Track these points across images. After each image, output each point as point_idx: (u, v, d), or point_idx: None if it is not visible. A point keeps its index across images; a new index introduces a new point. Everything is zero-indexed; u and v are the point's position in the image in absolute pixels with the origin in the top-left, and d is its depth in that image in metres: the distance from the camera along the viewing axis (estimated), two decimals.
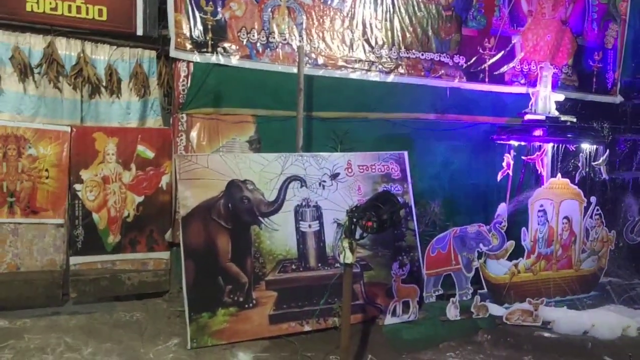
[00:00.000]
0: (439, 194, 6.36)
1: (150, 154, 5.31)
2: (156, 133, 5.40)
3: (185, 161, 4.67)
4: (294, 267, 4.79)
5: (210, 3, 5.41)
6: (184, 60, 5.39)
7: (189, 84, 5.40)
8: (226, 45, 5.50)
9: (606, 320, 4.94)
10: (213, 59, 5.45)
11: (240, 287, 4.53)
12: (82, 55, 5.15)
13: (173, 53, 5.34)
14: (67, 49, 5.14)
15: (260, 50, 5.65)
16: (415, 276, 5.12)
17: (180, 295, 4.73)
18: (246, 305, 4.51)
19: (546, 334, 4.85)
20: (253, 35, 5.59)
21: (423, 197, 6.10)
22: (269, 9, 5.67)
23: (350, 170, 5.16)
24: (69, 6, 5.00)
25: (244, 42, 5.56)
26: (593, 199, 5.59)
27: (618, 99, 7.42)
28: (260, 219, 4.76)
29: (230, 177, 4.69)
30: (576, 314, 5.08)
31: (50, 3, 4.94)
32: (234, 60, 5.53)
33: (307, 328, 4.64)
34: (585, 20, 7.17)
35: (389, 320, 4.86)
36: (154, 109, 5.54)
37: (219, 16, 5.46)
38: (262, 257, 4.69)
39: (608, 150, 6.29)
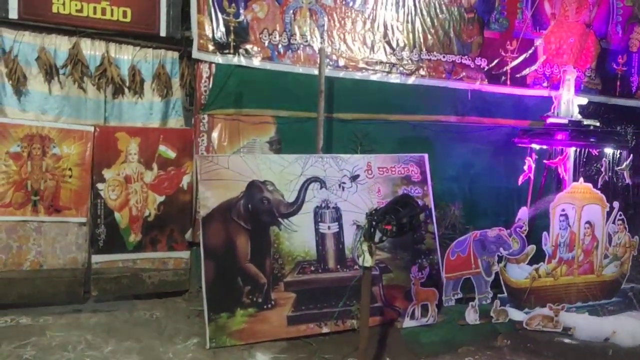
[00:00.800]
0: (459, 197, 6.32)
1: (171, 154, 5.36)
2: (178, 133, 5.44)
3: (206, 162, 4.70)
4: (312, 268, 4.79)
5: (233, 5, 5.45)
6: (206, 62, 5.43)
7: (210, 85, 5.45)
8: (248, 46, 5.53)
9: (628, 327, 4.86)
10: (235, 60, 5.49)
11: (259, 287, 4.55)
12: (106, 55, 5.21)
13: (195, 54, 5.39)
14: (92, 50, 5.20)
15: (282, 51, 5.67)
16: (434, 279, 5.09)
17: (200, 295, 4.76)
18: (265, 306, 4.53)
19: (566, 340, 4.79)
20: (275, 37, 5.62)
21: (443, 199, 6.06)
22: (291, 11, 5.69)
23: (370, 172, 5.15)
24: (94, 8, 5.07)
25: (266, 44, 5.59)
26: (616, 204, 5.50)
27: None
28: (280, 220, 4.77)
29: (250, 177, 4.71)
30: (597, 321, 5.02)
31: (76, 5, 5.01)
32: (256, 62, 5.57)
33: (325, 330, 4.64)
34: (610, 23, 7.09)
35: (407, 323, 4.85)
36: (176, 110, 5.58)
37: (241, 18, 5.49)
38: (281, 258, 4.71)
39: (632, 155, 6.20)
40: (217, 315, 4.39)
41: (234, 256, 4.56)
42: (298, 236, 4.81)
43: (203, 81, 5.44)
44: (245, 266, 4.57)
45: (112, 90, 5.31)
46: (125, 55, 5.33)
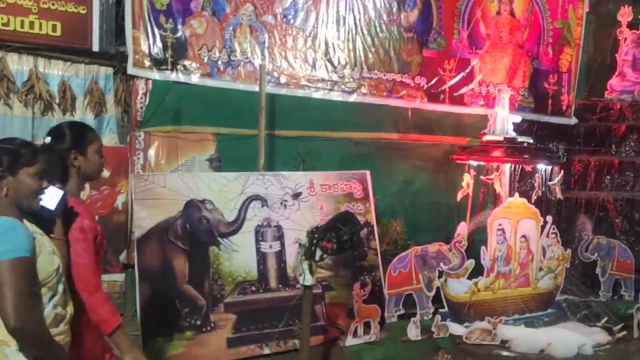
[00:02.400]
0: (400, 212, 6.37)
1: (105, 173, 5.15)
2: (112, 151, 5.24)
3: (141, 180, 4.55)
4: (253, 288, 4.69)
5: (170, 20, 5.34)
6: (142, 78, 5.28)
7: (147, 102, 5.29)
8: (186, 63, 5.43)
9: (562, 339, 4.98)
10: (172, 76, 5.36)
11: (197, 310, 4.40)
12: (34, 71, 4.99)
13: (131, 70, 5.24)
14: (19, 65, 4.97)
15: (222, 68, 5.60)
16: (376, 296, 5.08)
17: (136, 319, 4.58)
18: (203, 329, 4.39)
19: (504, 353, 4.86)
20: (214, 54, 5.54)
21: (385, 216, 6.10)
22: (231, 28, 5.63)
23: (312, 189, 5.12)
24: (22, 21, 4.84)
25: (205, 60, 5.50)
26: (549, 218, 5.66)
27: (572, 120, 7.62)
28: (220, 239, 4.65)
29: (188, 196, 4.58)
30: (533, 332, 5.12)
31: (2, 18, 4.78)
32: (195, 78, 5.46)
33: (266, 351, 4.54)
34: (541, 44, 7.37)
35: (350, 341, 4.80)
36: (110, 127, 5.40)
37: (179, 34, 5.39)
38: (221, 279, 4.58)
39: (563, 171, 6.42)
40: (153, 341, 4.21)
41: (171, 278, 4.40)
42: (238, 256, 4.70)
43: (139, 98, 5.29)
44: (182, 288, 4.41)
45: (40, 107, 5.07)
46: (55, 71, 5.12)
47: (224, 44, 5.59)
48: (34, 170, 2.12)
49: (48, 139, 2.44)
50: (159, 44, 5.30)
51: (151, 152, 5.32)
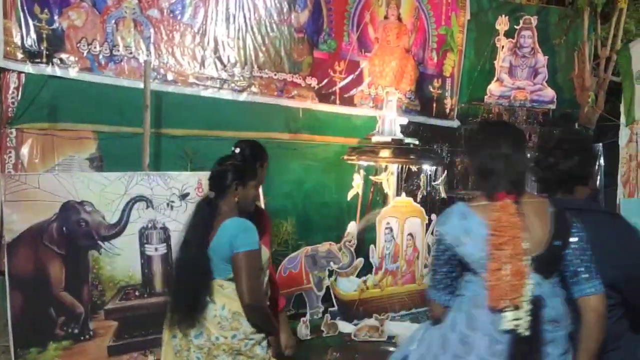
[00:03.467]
0: (292, 213, 6.39)
1: None
2: None
3: (12, 181, 4.20)
4: (137, 293, 4.49)
5: (46, 10, 5.00)
6: (14, 71, 4.92)
7: (19, 97, 4.94)
8: (64, 56, 5.10)
9: None
10: (48, 70, 5.03)
11: (75, 318, 4.15)
12: None
13: (1, 62, 4.85)
14: None
15: (103, 63, 5.32)
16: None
17: (7, 330, 4.24)
18: (82, 338, 4.15)
19: (391, 349, 4.97)
20: (95, 47, 5.26)
21: (277, 216, 6.08)
22: (113, 21, 5.37)
23: (201, 189, 4.97)
24: None
25: (85, 54, 5.21)
26: (434, 216, 5.91)
27: (455, 123, 8.01)
28: (100, 243, 4.41)
29: (65, 198, 4.29)
30: (417, 327, 5.29)
31: None
32: (73, 73, 5.14)
33: (151, 358, 4.37)
34: (426, 49, 7.67)
35: None
36: None
37: (56, 25, 5.06)
38: (102, 284, 4.35)
39: (447, 171, 6.72)
40: (25, 352, 3.93)
41: (45, 285, 4.10)
42: (121, 260, 4.47)
43: (10, 92, 4.91)
44: (58, 295, 4.14)
45: None
46: None
47: (106, 38, 5.32)
48: (255, 182, 2.94)
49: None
50: (33, 35, 4.95)
51: (24, 150, 4.95)
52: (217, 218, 2.74)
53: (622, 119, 7.47)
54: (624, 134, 7.93)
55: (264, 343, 2.76)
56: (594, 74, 8.12)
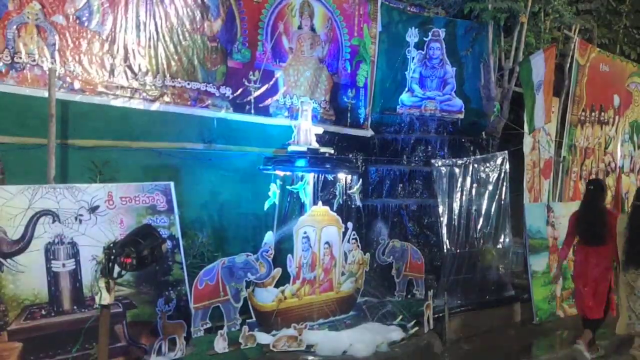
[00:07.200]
0: (207, 224, 6.30)
1: None
2: None
3: None
4: (43, 312, 4.27)
5: None
6: None
7: None
8: None
9: (362, 339, 5.27)
10: None
11: None
12: None
13: None
14: None
15: (3, 71, 5.05)
16: (182, 311, 4.93)
17: None
18: None
19: (310, 358, 5.00)
20: None
21: (191, 228, 5.99)
22: (14, 27, 5.10)
23: (111, 202, 4.81)
24: None
25: None
26: (350, 224, 6.00)
27: (369, 132, 8.19)
28: (2, 260, 4.17)
29: None
30: (336, 335, 5.35)
31: None
32: None
33: None
34: (340, 59, 7.82)
35: (154, 359, 4.61)
36: None
37: None
38: (4, 304, 4.11)
39: (361, 180, 6.85)
40: None
41: None
42: (25, 277, 4.25)
43: None
44: None
45: None
46: None
47: (7, 45, 5.05)
48: None
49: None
50: None
51: None
52: None
53: (525, 127, 7.95)
54: (527, 142, 8.46)
55: None
56: (498, 85, 8.56)
